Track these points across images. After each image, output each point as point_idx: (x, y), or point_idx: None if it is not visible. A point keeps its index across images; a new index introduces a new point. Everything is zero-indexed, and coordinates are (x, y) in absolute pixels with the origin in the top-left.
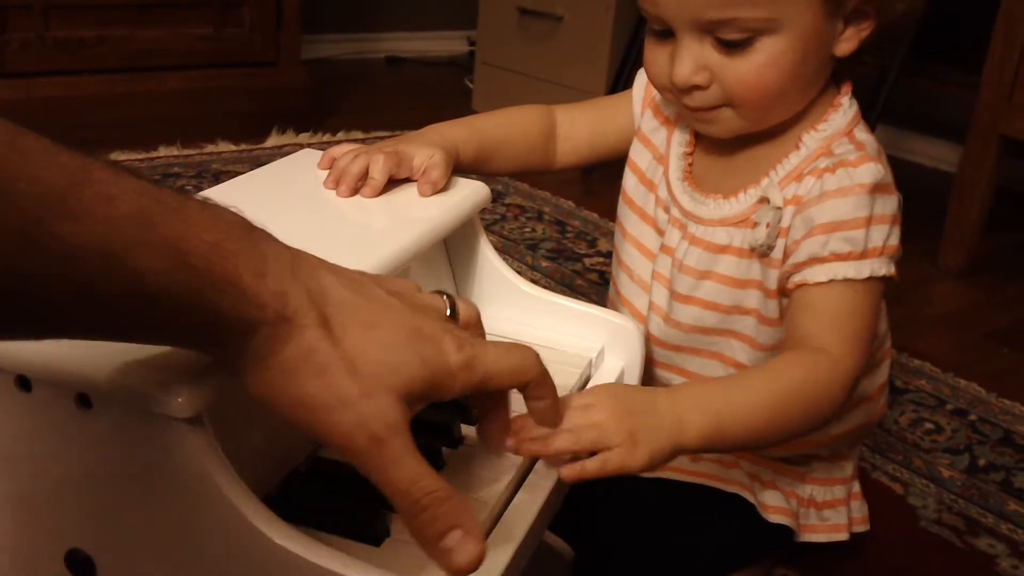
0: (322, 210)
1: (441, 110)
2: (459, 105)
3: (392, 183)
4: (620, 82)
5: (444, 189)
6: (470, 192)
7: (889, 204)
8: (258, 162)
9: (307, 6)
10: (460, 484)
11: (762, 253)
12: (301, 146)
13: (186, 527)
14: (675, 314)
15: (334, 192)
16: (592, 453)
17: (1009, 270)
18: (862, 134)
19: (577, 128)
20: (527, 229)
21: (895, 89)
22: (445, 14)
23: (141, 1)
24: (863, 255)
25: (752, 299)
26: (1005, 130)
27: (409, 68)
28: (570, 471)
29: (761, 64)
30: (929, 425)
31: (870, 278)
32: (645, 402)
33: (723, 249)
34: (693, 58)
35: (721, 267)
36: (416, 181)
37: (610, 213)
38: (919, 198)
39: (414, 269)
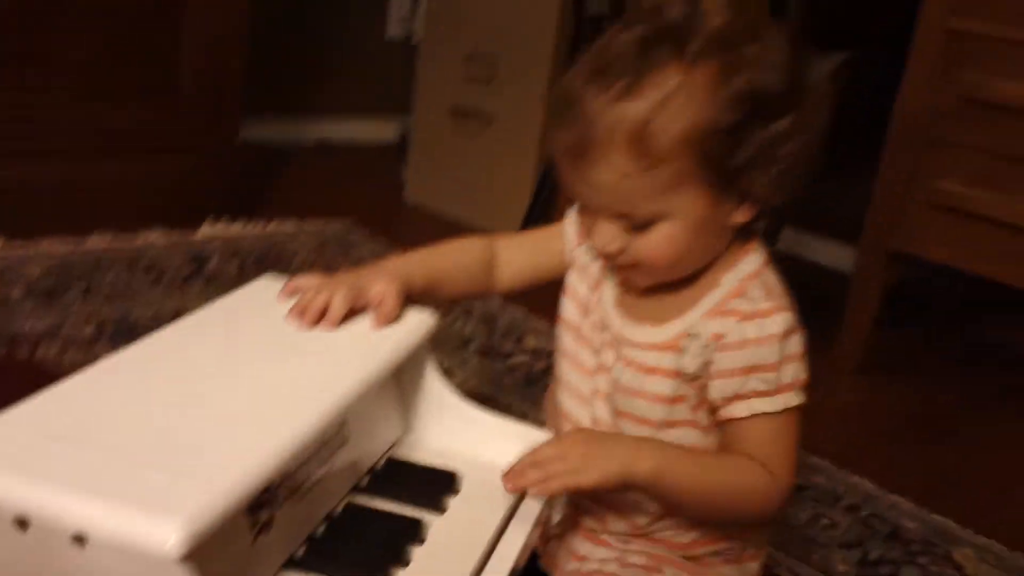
0: (287, 342)
1: (374, 198)
2: (392, 194)
3: (352, 312)
4: (539, 199)
5: (397, 319)
6: (420, 322)
7: (796, 344)
8: (191, 253)
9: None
10: None
11: (689, 379)
12: (233, 236)
13: None
14: (622, 429)
15: (295, 323)
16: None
17: (899, 368)
18: (770, 277)
19: (516, 257)
20: (457, 325)
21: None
22: (378, 99)
23: (78, 87)
24: (777, 391)
25: (681, 412)
26: (893, 246)
27: (340, 152)
28: (536, 490)
29: (660, 242)
30: (826, 521)
31: (784, 410)
32: (607, 437)
33: (653, 370)
34: (608, 233)
35: (651, 386)
36: (369, 310)
37: (537, 310)
38: (819, 299)
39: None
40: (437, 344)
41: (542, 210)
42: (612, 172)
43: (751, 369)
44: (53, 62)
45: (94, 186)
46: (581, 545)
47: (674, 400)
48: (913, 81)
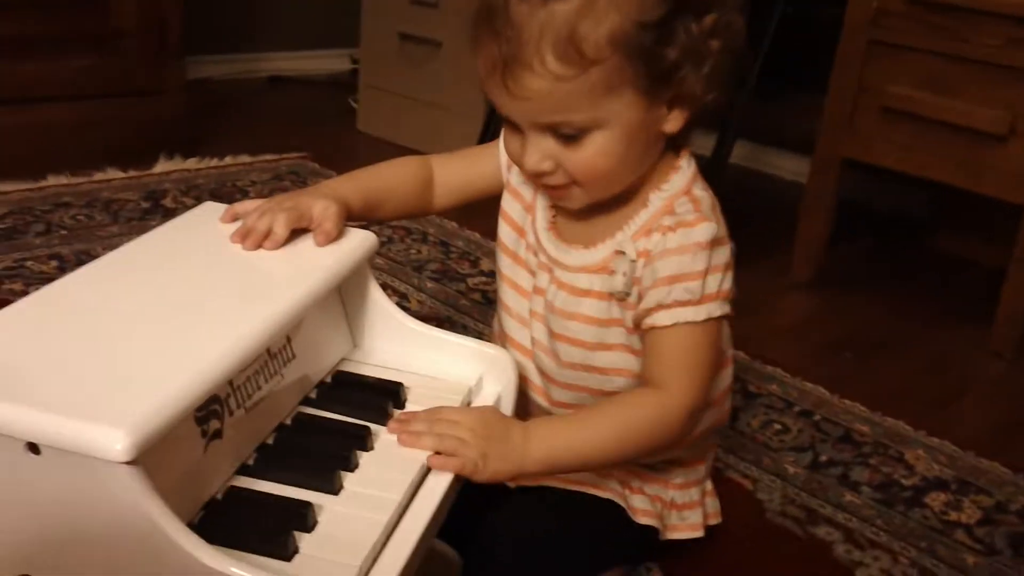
0: (230, 263)
1: (326, 130)
2: (344, 126)
3: (292, 233)
4: (492, 122)
5: (337, 238)
6: (361, 241)
7: (723, 255)
8: (147, 189)
9: (187, 27)
10: (368, 483)
11: (620, 298)
12: (188, 171)
13: (124, 553)
14: (556, 350)
15: (239, 245)
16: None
17: (852, 281)
18: (699, 191)
19: (451, 176)
20: (413, 251)
21: (752, 107)
22: (326, 33)
23: (23, 34)
24: (701, 300)
25: (614, 335)
26: (845, 153)
27: (292, 88)
28: (433, 462)
29: (594, 153)
30: (778, 426)
31: (707, 319)
32: (503, 431)
33: (585, 293)
34: (538, 150)
35: (584, 308)
36: (310, 229)
37: (491, 233)
38: (775, 211)
39: (311, 308)
40: (394, 269)
41: (495, 134)
42: (544, 77)
43: (675, 278)
44: None
45: (47, 132)
46: None
47: (607, 323)
48: None
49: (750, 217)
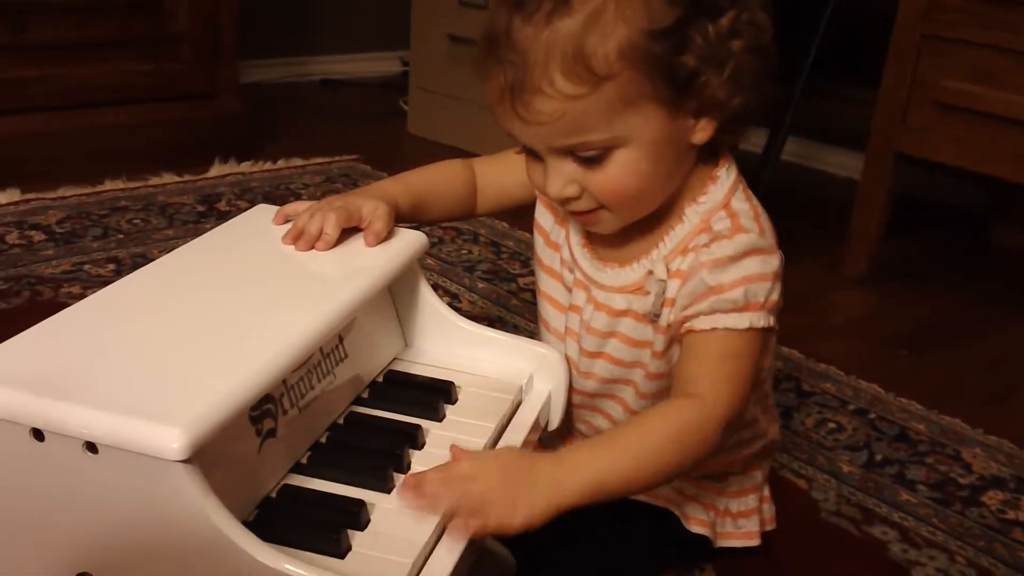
0: (282, 263)
1: (377, 132)
2: (395, 127)
3: (343, 234)
4: None
5: (387, 238)
6: (410, 241)
7: (767, 264)
8: (202, 192)
9: (240, 31)
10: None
11: (651, 320)
12: (242, 174)
13: (180, 552)
14: (584, 367)
15: (291, 246)
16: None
17: (907, 276)
18: (738, 204)
19: (490, 182)
20: (464, 251)
21: (805, 104)
22: (377, 35)
23: (81, 40)
24: (743, 308)
25: (645, 356)
26: (899, 147)
27: (343, 90)
28: (453, 528)
29: (618, 173)
30: (832, 425)
31: (750, 328)
32: (526, 471)
33: (623, 313)
34: (560, 176)
35: (622, 328)
36: (362, 228)
37: None
38: (829, 208)
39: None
40: (445, 269)
41: None
42: (555, 99)
43: (713, 290)
44: (54, 13)
45: (103, 136)
46: None
47: (642, 344)
48: None
49: (802, 213)
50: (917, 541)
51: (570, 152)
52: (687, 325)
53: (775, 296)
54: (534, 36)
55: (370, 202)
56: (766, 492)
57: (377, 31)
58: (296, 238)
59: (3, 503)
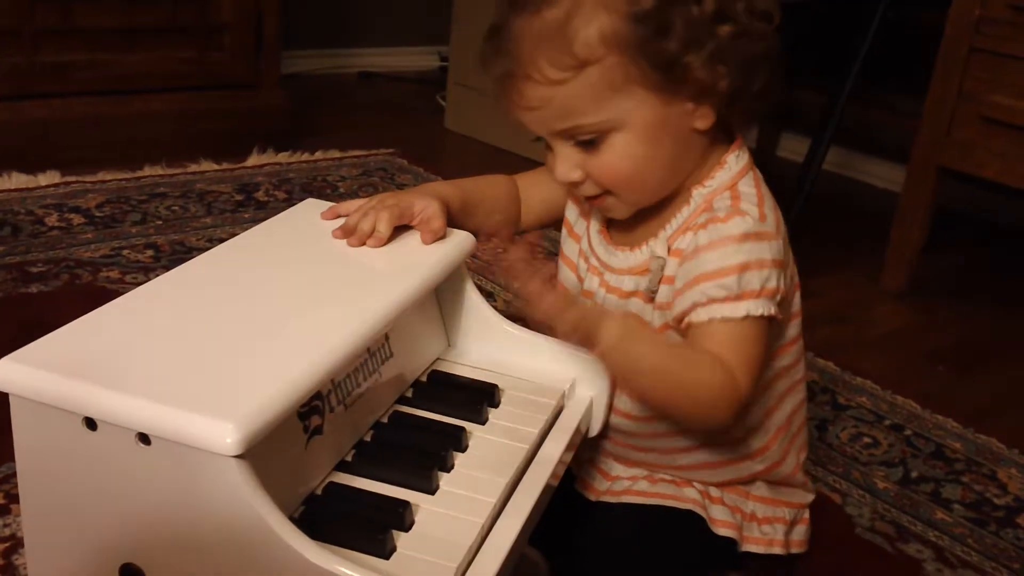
0: (334, 260)
1: (414, 127)
2: (432, 123)
3: (394, 231)
4: None
5: (443, 236)
6: (459, 241)
7: (765, 250)
8: (240, 181)
9: (283, 22)
10: (463, 484)
11: (648, 297)
12: (280, 165)
13: (228, 546)
14: None
15: (341, 242)
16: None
17: (946, 291)
18: (745, 187)
19: (532, 194)
20: (500, 250)
21: (847, 114)
22: (417, 30)
23: (127, 27)
24: (739, 297)
25: None
26: (942, 161)
27: (382, 84)
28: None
29: (614, 157)
30: (867, 439)
31: (747, 317)
32: (591, 306)
33: (631, 294)
34: (565, 160)
35: (631, 309)
36: (415, 227)
37: None
38: (867, 219)
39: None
40: (481, 267)
41: None
42: (542, 84)
43: (707, 276)
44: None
45: (145, 123)
46: (613, 467)
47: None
48: None
49: (841, 224)
50: (952, 561)
51: (568, 137)
52: (687, 320)
53: (773, 284)
54: (527, 26)
55: (421, 199)
56: (805, 515)
57: (418, 26)
58: (348, 234)
59: (52, 491)
